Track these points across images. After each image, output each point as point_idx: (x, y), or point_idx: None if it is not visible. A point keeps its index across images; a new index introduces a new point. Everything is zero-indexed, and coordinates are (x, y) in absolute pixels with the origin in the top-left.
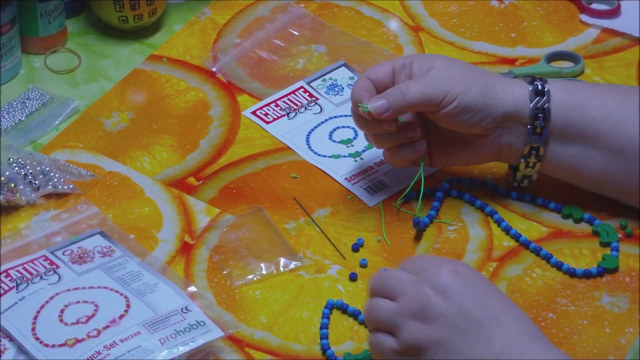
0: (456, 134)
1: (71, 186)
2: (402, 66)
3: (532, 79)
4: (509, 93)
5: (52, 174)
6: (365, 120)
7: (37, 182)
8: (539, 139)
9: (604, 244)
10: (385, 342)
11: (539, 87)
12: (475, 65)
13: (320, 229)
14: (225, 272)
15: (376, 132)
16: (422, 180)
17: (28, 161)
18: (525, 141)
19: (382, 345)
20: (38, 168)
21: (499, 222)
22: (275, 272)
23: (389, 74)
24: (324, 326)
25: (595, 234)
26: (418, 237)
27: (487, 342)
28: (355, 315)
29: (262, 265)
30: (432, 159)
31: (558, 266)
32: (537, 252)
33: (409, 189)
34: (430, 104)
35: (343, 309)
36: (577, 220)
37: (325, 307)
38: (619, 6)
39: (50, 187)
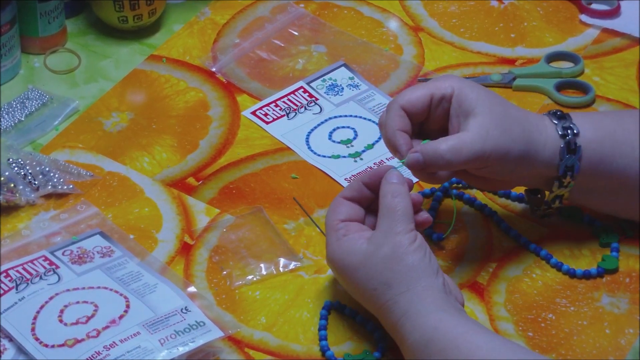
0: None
1: (71, 186)
2: (441, 98)
3: (563, 125)
4: (542, 153)
5: (51, 174)
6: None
7: (36, 183)
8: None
9: (604, 245)
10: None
11: (571, 144)
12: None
13: (320, 229)
14: (224, 272)
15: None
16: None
17: (28, 161)
18: (552, 184)
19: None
20: (38, 168)
21: (498, 223)
22: (274, 272)
23: (426, 104)
24: (323, 327)
25: (595, 234)
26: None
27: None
28: (353, 315)
29: (262, 265)
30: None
31: (558, 267)
32: (537, 252)
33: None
34: (470, 166)
35: (341, 309)
36: (577, 221)
37: (323, 308)
38: (618, 6)
39: (49, 187)
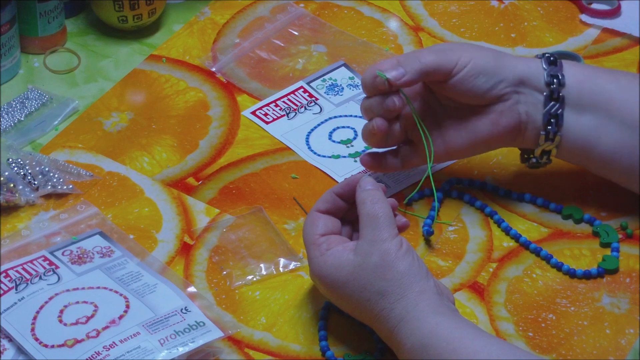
0: (473, 107)
1: (70, 186)
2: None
3: (542, 54)
4: (522, 60)
5: (51, 174)
6: (371, 104)
7: (36, 183)
8: (555, 105)
9: (604, 245)
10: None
11: (551, 58)
12: None
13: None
14: (224, 272)
15: (381, 114)
16: (434, 186)
17: (28, 161)
18: (543, 109)
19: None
20: (37, 168)
21: (499, 223)
22: (274, 272)
23: None
24: (323, 327)
25: (596, 234)
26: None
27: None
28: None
29: (262, 265)
30: (450, 141)
31: (558, 267)
32: (537, 252)
33: (419, 187)
34: (445, 67)
35: (341, 310)
36: (578, 221)
37: (323, 308)
38: (619, 6)
39: (49, 187)
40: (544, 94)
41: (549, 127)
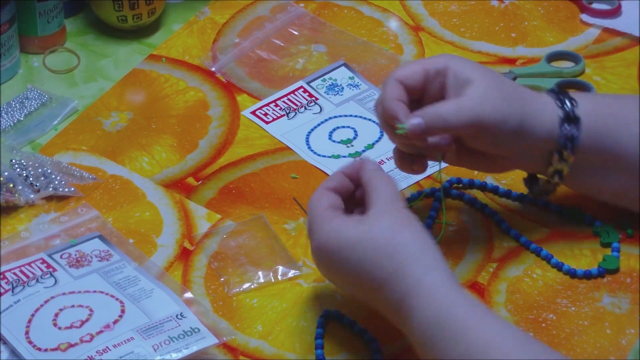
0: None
1: (72, 189)
2: (437, 73)
3: (562, 99)
4: (541, 123)
5: (53, 176)
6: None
7: (37, 184)
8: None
9: (605, 245)
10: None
11: (571, 114)
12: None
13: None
14: (222, 279)
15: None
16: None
17: (30, 162)
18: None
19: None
20: (39, 170)
21: (499, 223)
22: (273, 280)
23: (421, 78)
24: (319, 336)
25: (596, 234)
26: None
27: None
28: (350, 325)
29: (260, 273)
30: (465, 165)
31: (559, 267)
32: (537, 252)
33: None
34: (469, 131)
35: (339, 319)
36: (578, 221)
37: (321, 316)
38: (619, 6)
39: (50, 189)
40: (555, 153)
41: (565, 150)
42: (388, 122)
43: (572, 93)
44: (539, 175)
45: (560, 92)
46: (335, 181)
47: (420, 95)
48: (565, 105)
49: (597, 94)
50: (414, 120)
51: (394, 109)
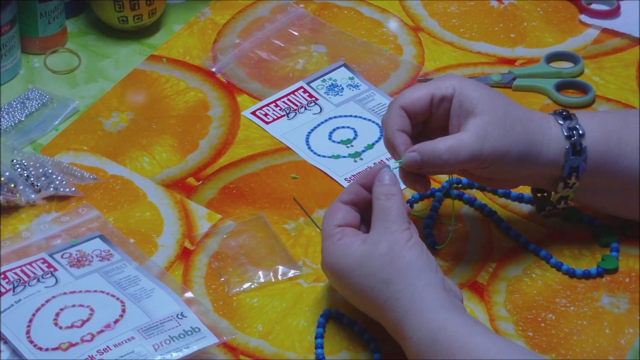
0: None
1: (73, 189)
2: (442, 98)
3: (569, 126)
4: (546, 154)
5: (54, 176)
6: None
7: (38, 185)
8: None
9: (604, 245)
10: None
11: (577, 146)
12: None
13: (320, 230)
14: (223, 279)
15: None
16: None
17: (31, 163)
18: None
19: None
20: (40, 170)
21: (498, 223)
22: (273, 280)
23: (426, 104)
24: (319, 335)
25: (595, 234)
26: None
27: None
28: (350, 325)
29: (260, 273)
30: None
31: (558, 267)
32: (536, 252)
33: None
34: (468, 166)
35: (339, 318)
36: (577, 221)
37: (321, 316)
38: (618, 6)
39: (51, 189)
40: (559, 182)
41: (569, 180)
42: (389, 150)
43: (581, 115)
44: (545, 194)
45: (568, 116)
46: (352, 194)
47: (425, 118)
48: (572, 137)
49: (604, 113)
50: (410, 155)
51: (394, 140)
